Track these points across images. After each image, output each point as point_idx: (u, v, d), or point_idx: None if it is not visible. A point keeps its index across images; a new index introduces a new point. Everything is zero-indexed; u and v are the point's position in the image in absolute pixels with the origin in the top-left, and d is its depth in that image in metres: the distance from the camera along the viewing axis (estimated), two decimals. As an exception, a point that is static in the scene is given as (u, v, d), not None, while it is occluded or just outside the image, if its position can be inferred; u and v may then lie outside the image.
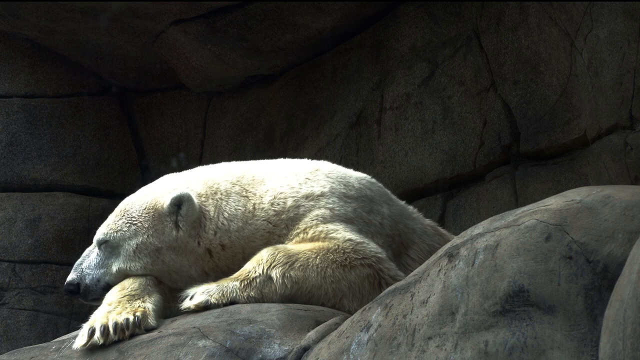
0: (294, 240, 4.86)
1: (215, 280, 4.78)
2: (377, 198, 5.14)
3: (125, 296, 4.69)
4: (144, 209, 4.99)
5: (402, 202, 5.46)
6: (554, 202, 3.63)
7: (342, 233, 4.79)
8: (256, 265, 4.66)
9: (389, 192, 5.38)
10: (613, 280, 3.30)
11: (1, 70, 9.29)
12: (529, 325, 3.38)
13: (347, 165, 5.71)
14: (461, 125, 7.69)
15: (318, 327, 4.29)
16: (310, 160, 5.26)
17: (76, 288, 4.97)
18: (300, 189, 4.96)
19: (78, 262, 5.03)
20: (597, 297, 3.32)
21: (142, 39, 8.96)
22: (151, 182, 5.26)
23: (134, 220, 4.98)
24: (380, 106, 8.23)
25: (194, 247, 4.92)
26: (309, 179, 5.01)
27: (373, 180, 5.31)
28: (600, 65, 6.39)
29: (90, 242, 5.09)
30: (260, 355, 4.16)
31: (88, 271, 4.98)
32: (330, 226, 4.83)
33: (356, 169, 5.44)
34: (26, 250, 8.99)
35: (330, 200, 4.93)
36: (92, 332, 4.51)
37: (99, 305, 4.82)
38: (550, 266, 3.41)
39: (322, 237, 4.80)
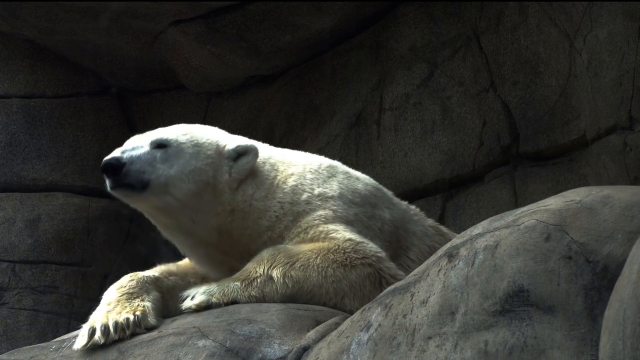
0: (294, 240, 4.88)
1: (216, 281, 4.80)
2: (380, 204, 5.20)
3: (124, 294, 4.68)
4: (209, 141, 5.01)
5: (405, 204, 5.50)
6: (553, 203, 3.64)
7: (342, 233, 4.82)
8: (257, 265, 4.67)
9: (391, 195, 5.43)
10: (613, 280, 3.30)
11: (1, 70, 9.29)
12: (529, 325, 3.39)
13: (346, 165, 5.72)
14: (460, 126, 7.69)
15: (318, 327, 4.30)
16: (327, 159, 5.34)
17: (120, 165, 4.82)
18: (317, 187, 5.02)
19: (123, 148, 4.90)
20: (597, 297, 3.33)
21: (141, 39, 8.97)
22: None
23: (198, 143, 4.97)
24: (379, 106, 8.23)
25: (227, 199, 4.93)
26: (324, 181, 5.08)
27: (379, 185, 5.39)
28: (600, 65, 6.39)
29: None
30: (260, 355, 4.16)
31: (137, 160, 4.85)
32: (331, 226, 4.86)
33: (355, 169, 5.46)
34: (26, 250, 8.98)
35: (336, 203, 4.98)
36: (92, 332, 4.50)
37: (128, 200, 4.85)
38: (550, 266, 3.42)
39: (322, 237, 4.83)
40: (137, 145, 4.93)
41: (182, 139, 4.97)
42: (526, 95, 7.32)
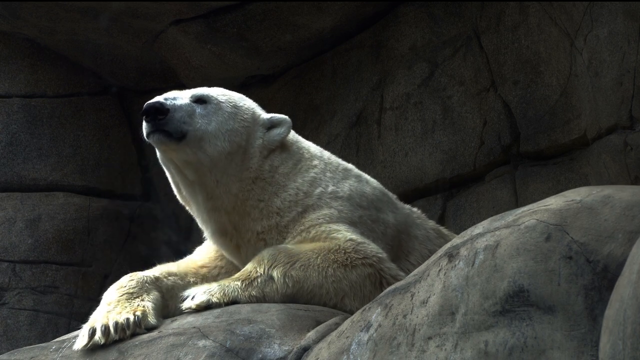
0: (295, 239, 4.89)
1: (216, 280, 4.80)
2: (385, 208, 5.24)
3: (124, 294, 4.68)
4: (246, 105, 5.12)
5: (408, 207, 5.53)
6: (554, 202, 3.63)
7: (344, 233, 4.83)
8: (257, 265, 4.68)
9: (396, 199, 5.46)
10: (613, 280, 3.30)
11: (1, 70, 9.28)
12: (529, 325, 3.39)
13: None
14: (461, 125, 7.69)
15: (318, 327, 4.29)
16: (343, 161, 5.40)
17: (165, 109, 4.79)
18: (331, 186, 5.09)
19: (165, 97, 4.88)
20: (597, 297, 3.32)
21: (142, 39, 8.96)
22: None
23: (237, 105, 5.05)
24: (380, 106, 8.23)
25: (254, 165, 5.00)
26: (339, 181, 5.14)
27: (385, 190, 5.43)
28: (600, 65, 6.38)
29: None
30: (260, 355, 4.16)
31: (179, 109, 4.84)
32: (334, 226, 4.88)
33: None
34: (26, 250, 8.98)
35: (343, 204, 5.04)
36: (92, 333, 4.50)
37: (162, 147, 4.83)
38: (550, 266, 3.41)
39: (323, 237, 4.84)
40: (178, 96, 4.95)
41: (222, 98, 5.05)
42: (527, 95, 7.32)
